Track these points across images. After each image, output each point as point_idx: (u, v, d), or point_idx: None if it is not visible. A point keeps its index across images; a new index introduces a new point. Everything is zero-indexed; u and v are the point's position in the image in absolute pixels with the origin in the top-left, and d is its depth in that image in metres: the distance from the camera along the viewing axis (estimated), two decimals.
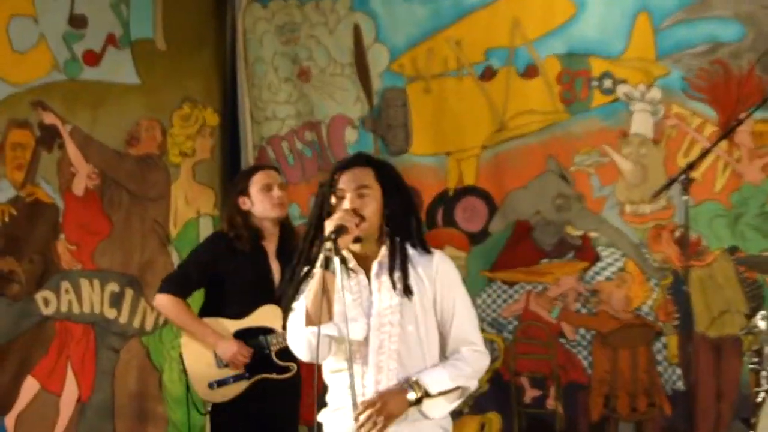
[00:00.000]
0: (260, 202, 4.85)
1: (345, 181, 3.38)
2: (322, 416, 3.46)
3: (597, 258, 5.62)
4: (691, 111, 5.42)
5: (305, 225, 3.49)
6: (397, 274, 3.35)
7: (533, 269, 5.76)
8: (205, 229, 6.28)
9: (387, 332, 3.35)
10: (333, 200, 3.38)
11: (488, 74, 5.86)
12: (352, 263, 3.40)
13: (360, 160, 3.46)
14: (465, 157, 5.91)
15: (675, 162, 5.39)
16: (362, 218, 3.32)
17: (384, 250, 3.40)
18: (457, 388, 3.38)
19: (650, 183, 5.43)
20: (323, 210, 3.38)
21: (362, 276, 3.40)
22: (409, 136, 6.03)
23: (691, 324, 5.25)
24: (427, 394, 3.31)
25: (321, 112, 6.25)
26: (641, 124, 5.52)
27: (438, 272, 3.41)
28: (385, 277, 3.38)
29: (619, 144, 5.56)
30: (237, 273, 4.81)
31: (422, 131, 6.01)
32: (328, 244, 3.23)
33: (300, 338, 3.34)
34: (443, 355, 3.42)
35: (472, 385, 3.42)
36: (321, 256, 3.25)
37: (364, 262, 3.41)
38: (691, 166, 4.53)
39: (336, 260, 3.23)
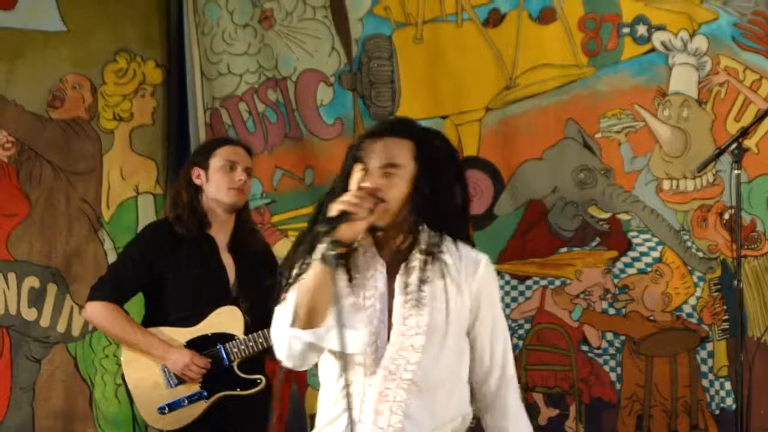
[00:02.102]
0: (217, 181, 4.89)
1: (372, 154, 3.32)
2: None
3: (628, 246, 5.61)
4: (744, 65, 5.38)
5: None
6: (415, 279, 3.31)
7: (549, 260, 5.76)
8: (145, 211, 6.32)
9: (405, 357, 3.29)
10: (358, 170, 3.33)
11: (494, 19, 5.84)
12: (368, 254, 3.35)
13: (399, 128, 3.41)
14: (465, 121, 5.89)
15: (724, 128, 5.38)
16: (380, 201, 3.26)
17: (418, 253, 3.33)
18: None
19: (694, 153, 5.40)
20: (343, 182, 3.34)
21: (380, 273, 3.34)
22: (397, 96, 6.03)
23: (743, 327, 5.10)
24: None
25: (287, 66, 6.23)
26: (683, 80, 5.49)
27: (483, 283, 3.38)
28: (414, 288, 3.30)
29: (655, 105, 5.54)
30: (183, 269, 4.84)
31: (412, 90, 6.00)
32: (325, 234, 3.17)
33: (282, 338, 3.30)
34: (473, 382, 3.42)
35: None
36: (320, 246, 3.19)
37: (390, 256, 3.35)
38: (745, 133, 4.52)
39: (331, 255, 3.16)
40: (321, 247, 3.19)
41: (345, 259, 3.27)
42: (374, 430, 3.27)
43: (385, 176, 3.28)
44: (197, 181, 4.92)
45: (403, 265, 3.32)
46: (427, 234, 3.33)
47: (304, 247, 3.31)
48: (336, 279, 3.18)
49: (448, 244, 3.35)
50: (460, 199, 3.41)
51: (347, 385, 3.25)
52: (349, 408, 3.21)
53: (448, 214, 3.37)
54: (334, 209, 3.20)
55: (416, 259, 3.32)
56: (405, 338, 3.29)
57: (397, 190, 3.29)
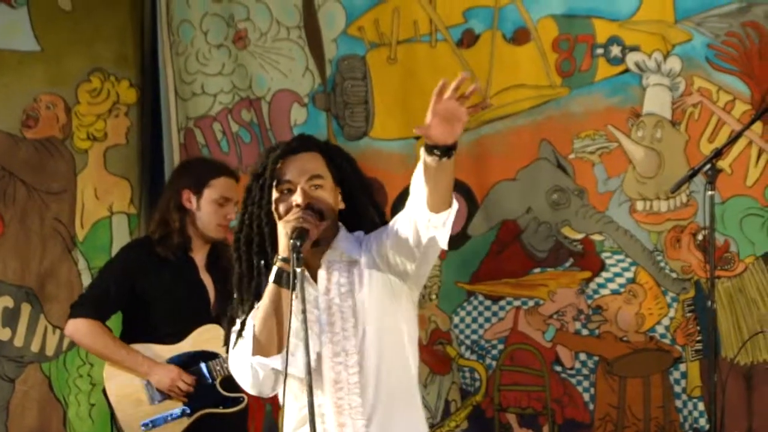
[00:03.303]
0: (208, 214, 4.90)
1: (293, 171, 3.32)
2: None
3: (601, 267, 5.59)
4: (718, 86, 5.34)
5: (238, 227, 3.42)
6: (334, 285, 3.33)
7: (523, 281, 5.74)
8: (119, 231, 6.35)
9: (342, 363, 3.30)
10: (275, 194, 3.32)
11: (468, 40, 5.82)
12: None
13: (307, 143, 3.42)
14: None
15: (698, 148, 5.35)
16: (321, 216, 3.28)
17: (330, 255, 3.34)
18: None
19: (667, 174, 5.38)
20: (266, 207, 3.33)
21: (313, 291, 3.34)
22: (370, 116, 6.03)
23: (716, 348, 5.09)
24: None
25: (261, 87, 6.25)
26: (656, 101, 5.46)
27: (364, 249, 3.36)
28: (335, 292, 3.33)
29: (629, 126, 5.51)
30: (165, 288, 4.88)
31: (386, 110, 6.00)
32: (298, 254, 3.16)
33: (244, 368, 3.31)
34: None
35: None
36: (274, 268, 3.22)
37: (311, 272, 3.35)
38: (718, 154, 4.53)
39: (299, 272, 3.16)
40: (275, 270, 3.20)
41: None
42: None
43: (316, 189, 3.30)
44: (187, 205, 4.92)
45: (321, 272, 3.32)
46: (342, 236, 3.36)
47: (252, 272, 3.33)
48: (292, 300, 3.20)
49: (356, 235, 3.40)
50: (376, 205, 3.48)
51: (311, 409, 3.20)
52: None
53: (368, 213, 3.41)
54: (288, 228, 3.19)
55: (329, 263, 3.33)
56: (334, 345, 3.29)
57: (330, 200, 3.32)
